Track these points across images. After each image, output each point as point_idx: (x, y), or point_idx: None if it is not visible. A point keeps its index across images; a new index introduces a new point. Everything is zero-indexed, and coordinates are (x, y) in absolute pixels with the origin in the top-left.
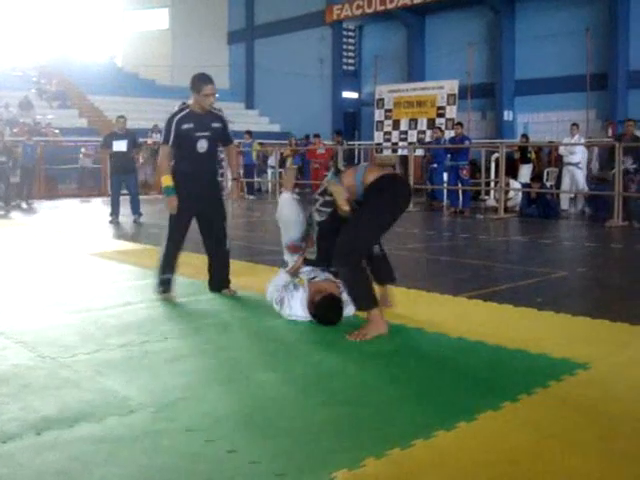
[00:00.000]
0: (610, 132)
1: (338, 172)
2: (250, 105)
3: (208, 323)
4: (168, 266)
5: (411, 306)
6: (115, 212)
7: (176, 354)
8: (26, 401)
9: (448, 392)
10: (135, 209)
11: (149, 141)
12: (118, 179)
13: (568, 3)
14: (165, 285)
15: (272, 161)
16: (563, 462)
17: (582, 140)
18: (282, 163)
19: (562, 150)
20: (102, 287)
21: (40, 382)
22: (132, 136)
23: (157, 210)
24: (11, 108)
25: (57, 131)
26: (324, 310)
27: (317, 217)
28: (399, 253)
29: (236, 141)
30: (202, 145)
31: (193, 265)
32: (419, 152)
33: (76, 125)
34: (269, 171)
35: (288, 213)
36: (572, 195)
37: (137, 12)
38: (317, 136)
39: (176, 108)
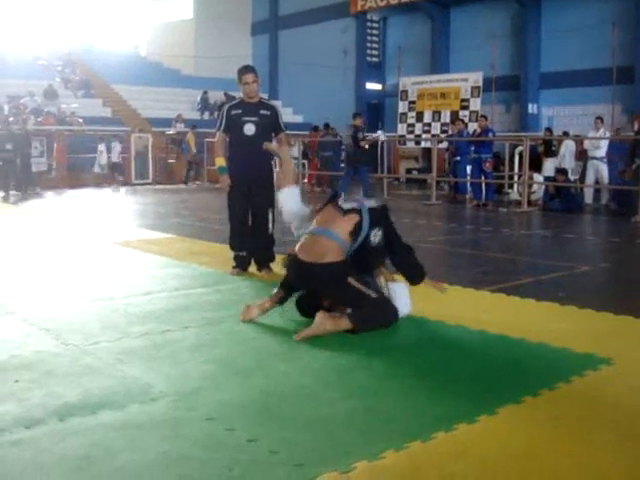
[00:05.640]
0: (636, 126)
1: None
2: (274, 96)
3: (229, 313)
4: (235, 243)
5: (433, 299)
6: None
7: (197, 343)
8: (49, 387)
9: (469, 385)
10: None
11: (172, 131)
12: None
13: None
14: (237, 261)
15: (295, 152)
16: (584, 458)
17: (607, 134)
18: (305, 155)
19: (587, 144)
20: (125, 276)
21: (63, 369)
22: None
23: None
24: (36, 97)
25: (81, 120)
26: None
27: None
28: (421, 245)
29: None
30: (249, 128)
31: (213, 254)
32: (443, 144)
33: (100, 114)
34: (293, 162)
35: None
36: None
37: (161, 2)
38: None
39: (198, 98)
